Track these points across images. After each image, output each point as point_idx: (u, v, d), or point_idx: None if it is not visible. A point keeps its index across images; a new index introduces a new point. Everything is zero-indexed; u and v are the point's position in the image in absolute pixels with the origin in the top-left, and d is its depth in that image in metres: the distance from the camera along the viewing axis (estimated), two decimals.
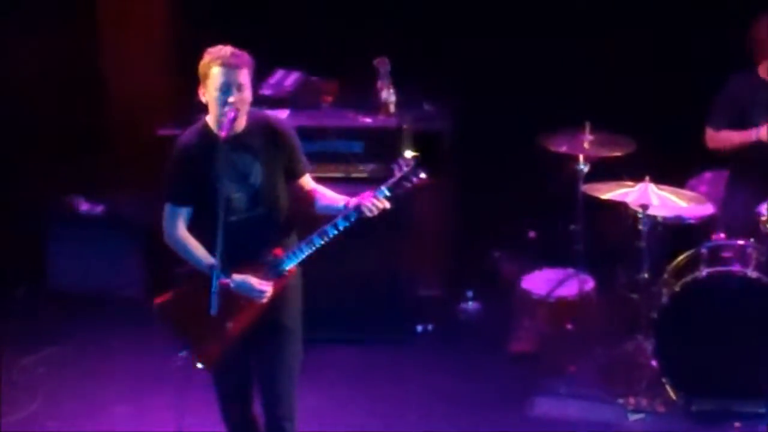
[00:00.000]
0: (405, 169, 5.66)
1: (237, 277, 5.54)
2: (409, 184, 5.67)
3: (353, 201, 5.63)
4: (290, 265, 5.68)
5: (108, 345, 8.17)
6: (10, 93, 9.14)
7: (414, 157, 5.74)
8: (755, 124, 7.32)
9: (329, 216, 5.68)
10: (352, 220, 5.62)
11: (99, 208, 9.04)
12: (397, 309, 8.00)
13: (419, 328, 8.19)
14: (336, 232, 5.63)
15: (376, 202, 5.60)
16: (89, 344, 8.19)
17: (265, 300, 5.60)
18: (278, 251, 5.67)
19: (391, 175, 5.68)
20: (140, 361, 7.81)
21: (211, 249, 5.55)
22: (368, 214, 5.60)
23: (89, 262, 8.81)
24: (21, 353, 7.98)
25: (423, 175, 5.69)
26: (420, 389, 7.51)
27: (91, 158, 9.22)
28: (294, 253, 5.67)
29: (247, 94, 5.56)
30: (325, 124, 7.97)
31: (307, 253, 5.67)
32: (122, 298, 8.49)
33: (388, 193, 5.63)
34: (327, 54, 8.78)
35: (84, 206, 9.03)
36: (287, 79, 8.42)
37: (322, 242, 5.64)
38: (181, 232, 5.67)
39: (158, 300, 5.74)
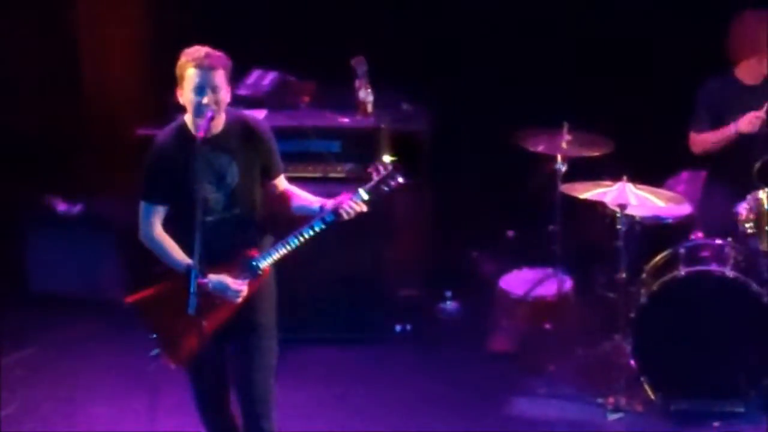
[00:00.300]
0: (383, 173, 5.66)
1: (212, 276, 5.53)
2: (386, 189, 5.67)
3: (330, 203, 5.63)
4: (265, 265, 5.68)
5: (86, 346, 8.16)
6: None
7: (392, 162, 5.71)
8: None
9: (304, 217, 5.69)
10: (329, 222, 5.62)
11: (77, 208, 9.01)
12: (376, 308, 8.01)
13: (398, 327, 8.19)
14: (312, 233, 5.63)
15: (354, 204, 5.60)
16: (68, 345, 8.17)
17: (240, 300, 5.60)
18: (253, 252, 5.67)
19: (369, 178, 5.68)
20: (118, 362, 7.79)
21: (185, 248, 5.57)
22: (345, 216, 5.60)
23: (67, 263, 8.79)
24: None
25: (401, 180, 5.69)
26: (399, 388, 7.51)
27: (69, 158, 9.19)
28: (269, 254, 5.67)
29: (223, 95, 5.55)
30: (302, 124, 7.96)
31: (282, 254, 5.67)
32: (101, 298, 8.46)
33: (365, 197, 5.63)
34: (304, 54, 8.76)
35: (62, 206, 9.00)
36: (264, 78, 8.41)
37: (298, 243, 5.64)
38: (157, 230, 5.67)
39: (131, 298, 5.74)
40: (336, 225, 5.64)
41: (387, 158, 5.77)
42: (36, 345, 8.14)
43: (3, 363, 7.88)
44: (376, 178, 5.67)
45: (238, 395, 5.82)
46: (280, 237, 5.67)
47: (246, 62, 8.30)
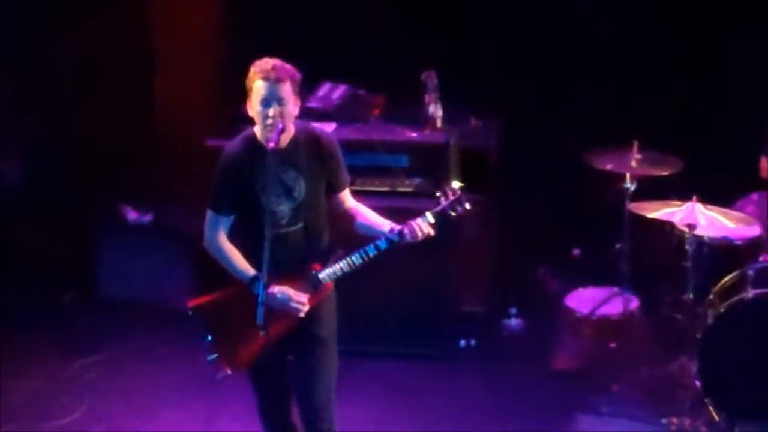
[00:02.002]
0: (452, 198, 5.66)
1: (275, 288, 5.55)
2: (453, 214, 5.66)
3: (398, 227, 5.62)
4: (327, 280, 5.70)
5: (155, 353, 8.22)
6: (62, 103, 9.26)
7: (460, 188, 5.71)
8: None
9: (368, 236, 5.70)
10: (394, 242, 5.61)
11: (147, 217, 9.10)
12: (440, 324, 8.00)
13: (462, 343, 8.18)
14: (376, 252, 5.63)
15: (421, 227, 5.59)
16: (136, 352, 8.24)
17: (301, 314, 5.62)
18: (316, 266, 5.68)
19: (438, 202, 5.68)
20: (186, 369, 7.84)
21: (250, 259, 5.61)
22: (409, 238, 5.59)
23: (137, 271, 8.86)
24: (69, 359, 8.07)
25: (468, 206, 5.68)
26: (461, 404, 7.51)
27: (140, 167, 9.29)
28: (332, 269, 5.68)
29: (290, 108, 5.56)
30: (371, 137, 7.98)
31: (345, 271, 5.68)
32: (170, 306, 8.52)
33: (432, 220, 5.61)
34: (374, 67, 8.79)
35: (133, 215, 9.09)
36: (335, 92, 8.44)
37: (361, 261, 5.65)
38: (221, 239, 5.71)
39: (193, 302, 5.80)
40: (400, 247, 5.64)
41: (456, 183, 5.75)
42: (105, 351, 8.21)
43: (72, 368, 7.99)
44: (444, 202, 5.66)
45: (299, 407, 5.86)
46: (345, 252, 5.69)
47: (317, 75, 8.37)
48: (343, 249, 5.73)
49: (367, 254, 5.64)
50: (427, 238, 5.64)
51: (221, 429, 6.43)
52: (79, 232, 9.06)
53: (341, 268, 5.68)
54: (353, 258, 5.65)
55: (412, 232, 5.59)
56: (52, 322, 8.66)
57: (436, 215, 5.63)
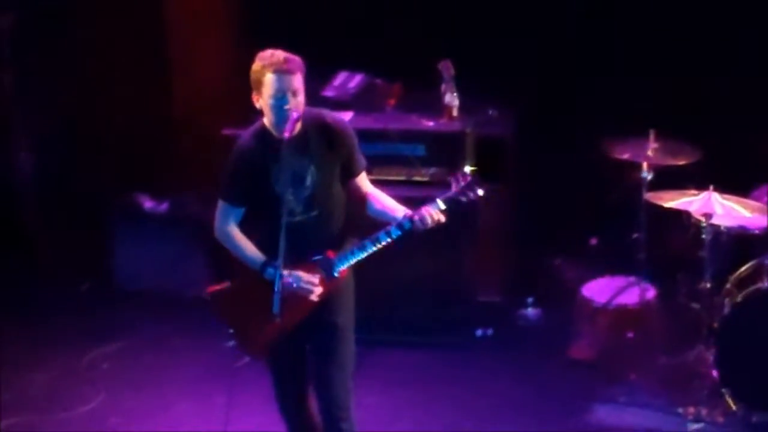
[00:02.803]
0: (462, 184, 5.62)
1: (285, 272, 5.52)
2: (465, 199, 5.62)
3: (410, 212, 5.60)
4: (341, 268, 5.69)
5: (171, 342, 8.25)
6: (79, 93, 9.27)
7: (472, 172, 5.66)
8: None
9: (381, 221, 5.69)
10: (406, 229, 5.58)
11: (163, 206, 9.12)
12: (457, 313, 8.00)
13: (479, 332, 8.19)
14: (388, 239, 5.61)
15: (431, 213, 5.56)
16: (153, 341, 8.27)
17: (314, 297, 5.62)
18: (330, 253, 5.68)
19: (448, 188, 5.66)
20: (203, 358, 7.88)
21: (263, 248, 5.63)
22: (420, 225, 5.56)
23: (154, 260, 8.89)
24: (85, 348, 8.09)
25: (480, 192, 5.63)
26: (478, 393, 7.51)
27: (157, 156, 9.31)
28: (345, 257, 5.68)
29: (302, 98, 5.57)
30: (388, 127, 7.98)
31: (358, 258, 5.68)
32: (186, 295, 8.55)
33: (442, 206, 5.58)
34: (390, 56, 8.78)
35: (148, 203, 9.11)
36: (351, 81, 8.44)
37: (374, 248, 5.63)
38: (232, 229, 5.73)
39: (212, 288, 5.81)
40: (413, 234, 5.60)
41: (468, 168, 5.70)
42: (122, 340, 8.24)
43: (89, 358, 8.02)
44: (455, 188, 5.63)
45: (317, 395, 5.86)
46: (362, 239, 5.69)
47: (333, 64, 8.37)
48: (359, 237, 5.72)
49: (379, 241, 5.63)
50: (439, 225, 5.60)
51: (239, 419, 6.43)
52: (96, 222, 9.08)
53: (354, 255, 5.67)
54: (366, 244, 5.64)
55: (422, 218, 5.55)
56: (69, 312, 8.69)
57: (446, 201, 5.60)
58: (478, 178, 5.65)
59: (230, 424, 6.18)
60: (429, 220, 5.56)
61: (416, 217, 5.56)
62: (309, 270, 5.64)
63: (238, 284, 5.80)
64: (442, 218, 5.59)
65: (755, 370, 6.92)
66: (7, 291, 8.80)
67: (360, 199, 5.82)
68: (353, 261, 5.69)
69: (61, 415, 7.32)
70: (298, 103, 5.54)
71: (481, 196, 5.65)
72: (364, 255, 5.67)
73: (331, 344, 5.76)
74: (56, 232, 9.28)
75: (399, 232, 5.61)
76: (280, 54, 5.55)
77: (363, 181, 5.83)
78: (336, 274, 5.69)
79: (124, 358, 8.05)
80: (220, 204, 5.76)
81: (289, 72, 5.51)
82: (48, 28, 9.15)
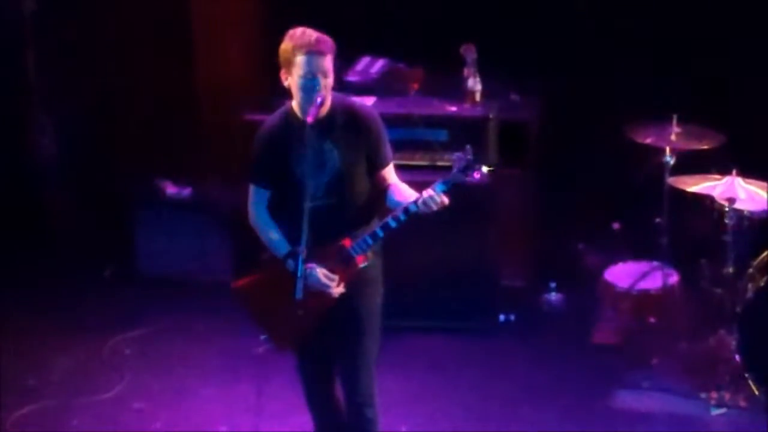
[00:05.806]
0: (460, 164, 5.55)
1: (308, 265, 5.50)
2: (466, 178, 5.54)
3: (417, 196, 5.54)
4: (358, 255, 5.65)
5: (194, 328, 8.26)
6: (101, 76, 9.29)
7: (470, 150, 5.59)
8: None
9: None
10: (411, 212, 5.51)
11: (186, 192, 9.12)
12: (480, 298, 7.99)
13: (502, 317, 8.18)
14: (396, 224, 5.54)
15: (432, 196, 5.47)
16: (175, 327, 8.27)
17: (333, 292, 5.60)
18: (346, 241, 5.63)
19: (451, 169, 5.62)
20: (226, 344, 7.89)
21: (286, 233, 5.60)
22: (424, 208, 5.48)
23: (176, 246, 8.89)
24: (108, 334, 8.11)
25: (484, 169, 5.57)
26: (501, 378, 7.52)
27: (179, 142, 9.31)
28: (359, 244, 5.63)
29: (331, 79, 5.53)
30: (410, 111, 7.97)
31: (372, 244, 5.63)
32: (208, 281, 8.56)
33: (444, 188, 5.51)
34: (413, 41, 8.77)
35: (171, 189, 9.11)
36: (373, 66, 8.43)
37: (384, 234, 5.59)
38: (262, 213, 5.71)
39: (236, 283, 5.81)
40: (420, 217, 5.54)
41: (468, 147, 5.61)
42: (144, 326, 8.26)
43: (112, 343, 8.04)
44: (454, 168, 5.57)
45: (341, 381, 5.87)
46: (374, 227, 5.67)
47: (356, 49, 8.36)
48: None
49: (388, 226, 5.57)
50: (443, 208, 5.51)
51: (264, 405, 6.44)
52: (118, 207, 9.10)
53: (368, 242, 5.62)
54: (377, 231, 5.60)
55: (424, 201, 5.46)
56: (92, 298, 8.71)
57: (446, 183, 5.50)
58: (479, 156, 5.59)
59: (259, 407, 6.18)
60: (431, 203, 5.47)
61: (419, 201, 5.49)
62: (326, 257, 5.60)
63: (261, 276, 5.79)
64: (446, 200, 5.49)
65: None
66: (29, 277, 8.83)
67: (383, 193, 5.74)
68: (368, 248, 5.64)
69: (84, 401, 7.34)
70: (327, 84, 5.50)
71: (485, 174, 5.59)
72: (376, 241, 5.62)
73: (356, 332, 5.74)
74: (78, 218, 9.31)
75: (405, 216, 5.53)
76: (311, 33, 5.50)
77: (389, 173, 5.75)
78: (353, 262, 5.65)
79: (146, 344, 8.06)
80: (250, 188, 5.74)
81: (321, 53, 5.47)
82: (70, 11, 9.16)
